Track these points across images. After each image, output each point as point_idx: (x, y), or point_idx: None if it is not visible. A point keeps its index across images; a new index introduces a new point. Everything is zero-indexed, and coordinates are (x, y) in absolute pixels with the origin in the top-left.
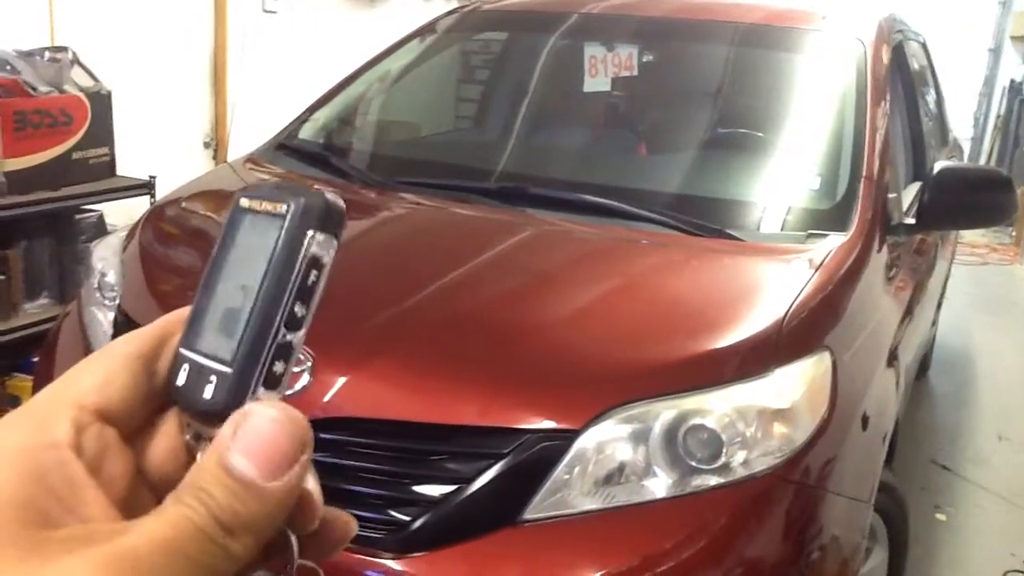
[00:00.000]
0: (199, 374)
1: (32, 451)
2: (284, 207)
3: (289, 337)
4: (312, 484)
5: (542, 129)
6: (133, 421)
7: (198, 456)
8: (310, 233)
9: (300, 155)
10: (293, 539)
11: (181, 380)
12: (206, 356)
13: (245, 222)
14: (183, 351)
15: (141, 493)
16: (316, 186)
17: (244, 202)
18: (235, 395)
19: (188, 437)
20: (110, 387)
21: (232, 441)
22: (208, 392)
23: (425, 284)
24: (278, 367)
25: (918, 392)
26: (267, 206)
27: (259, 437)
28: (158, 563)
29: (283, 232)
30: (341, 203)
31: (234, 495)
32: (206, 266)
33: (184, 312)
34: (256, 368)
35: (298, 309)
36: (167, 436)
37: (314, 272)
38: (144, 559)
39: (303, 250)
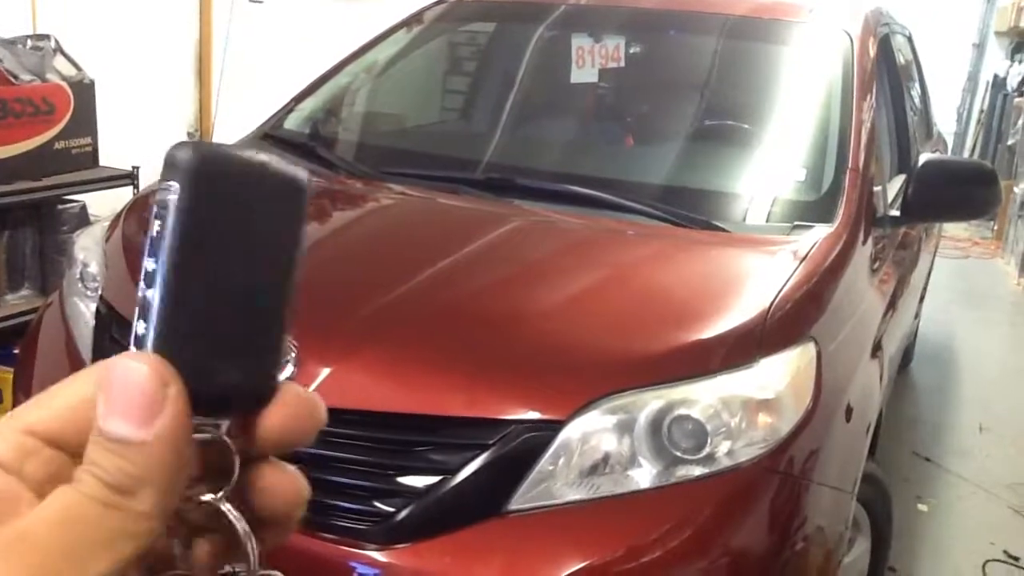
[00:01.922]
0: None
1: None
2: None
3: (145, 294)
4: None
5: (529, 120)
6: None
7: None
8: (173, 190)
9: (286, 145)
10: (252, 543)
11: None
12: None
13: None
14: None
15: None
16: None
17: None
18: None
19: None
20: (65, 418)
21: (100, 405)
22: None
23: (411, 275)
24: (139, 327)
25: (900, 384)
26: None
27: (118, 392)
28: (55, 538)
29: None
30: (184, 148)
31: (117, 455)
32: None
33: None
34: (131, 333)
35: (147, 264)
36: None
37: (156, 222)
38: (42, 536)
39: (155, 207)
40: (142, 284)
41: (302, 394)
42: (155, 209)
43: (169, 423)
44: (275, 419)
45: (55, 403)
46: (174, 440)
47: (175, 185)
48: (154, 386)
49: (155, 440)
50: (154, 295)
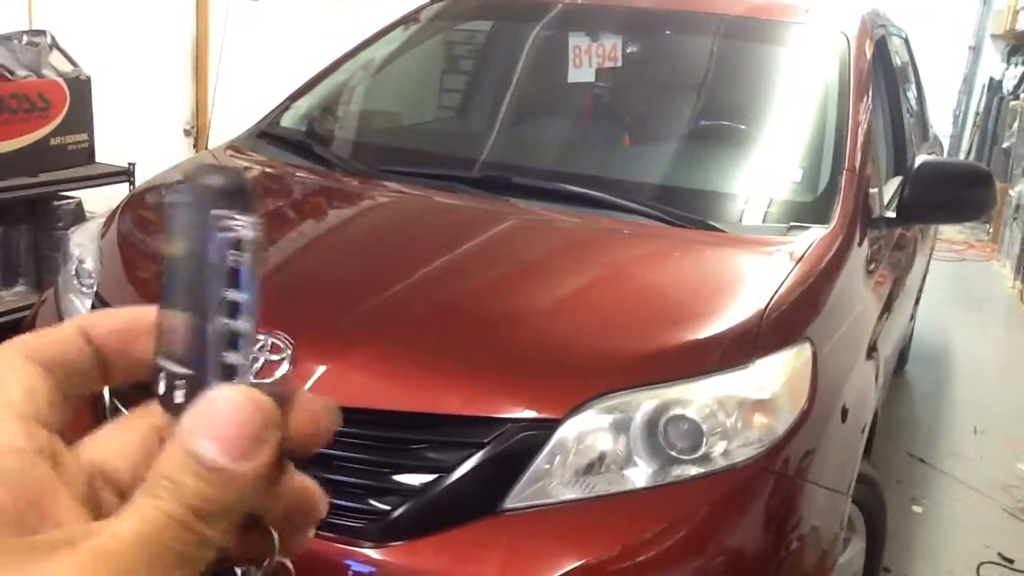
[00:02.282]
0: (171, 381)
1: None
2: (186, 195)
3: (238, 325)
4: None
5: (526, 119)
6: (70, 425)
7: None
8: (212, 213)
9: (282, 143)
10: (274, 535)
11: (161, 389)
12: (173, 361)
13: (174, 219)
14: (158, 360)
15: (103, 493)
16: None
17: (171, 199)
18: (199, 395)
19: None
20: (37, 396)
21: (194, 426)
22: (180, 397)
23: (407, 273)
24: (230, 358)
25: (896, 386)
26: (178, 197)
27: (221, 419)
28: (137, 556)
29: (186, 219)
30: (242, 177)
31: (204, 481)
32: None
33: (87, 319)
34: (207, 364)
35: (229, 295)
36: (116, 434)
37: (232, 253)
38: (124, 554)
39: (211, 232)
40: (220, 318)
41: (316, 399)
42: (225, 238)
43: (264, 463)
44: (295, 425)
45: (21, 389)
46: (260, 481)
47: (250, 220)
48: (261, 426)
49: (246, 475)
50: (247, 326)
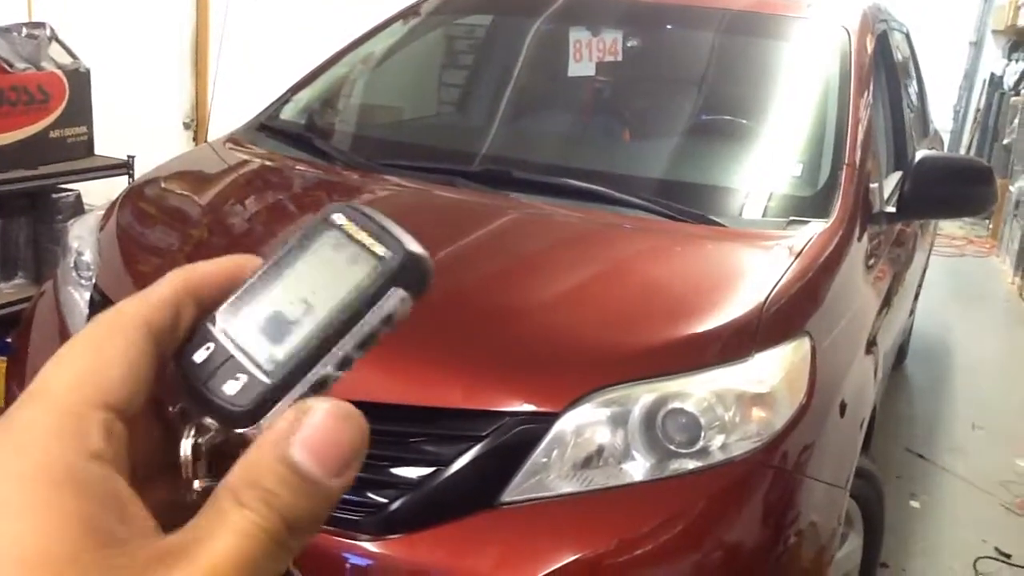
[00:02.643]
0: (227, 365)
1: (78, 466)
2: (383, 251)
3: (334, 374)
4: None
5: (526, 113)
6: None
7: (184, 439)
8: (398, 291)
9: (282, 136)
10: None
11: (200, 356)
12: (241, 350)
13: (331, 238)
14: (213, 329)
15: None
16: (412, 242)
17: (339, 219)
18: (261, 407)
19: (173, 409)
20: (135, 381)
21: (294, 436)
22: (232, 389)
23: None
24: (307, 397)
25: (895, 381)
26: (364, 238)
27: (322, 433)
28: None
29: (374, 276)
30: (432, 267)
31: (299, 493)
32: (272, 255)
33: (192, 274)
34: (291, 390)
35: (354, 353)
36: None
37: (384, 327)
38: (228, 573)
39: (384, 302)
40: (332, 365)
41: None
42: (385, 308)
43: (351, 482)
44: None
45: (122, 372)
46: (341, 496)
47: (411, 304)
48: (359, 445)
49: (336, 492)
50: (336, 379)
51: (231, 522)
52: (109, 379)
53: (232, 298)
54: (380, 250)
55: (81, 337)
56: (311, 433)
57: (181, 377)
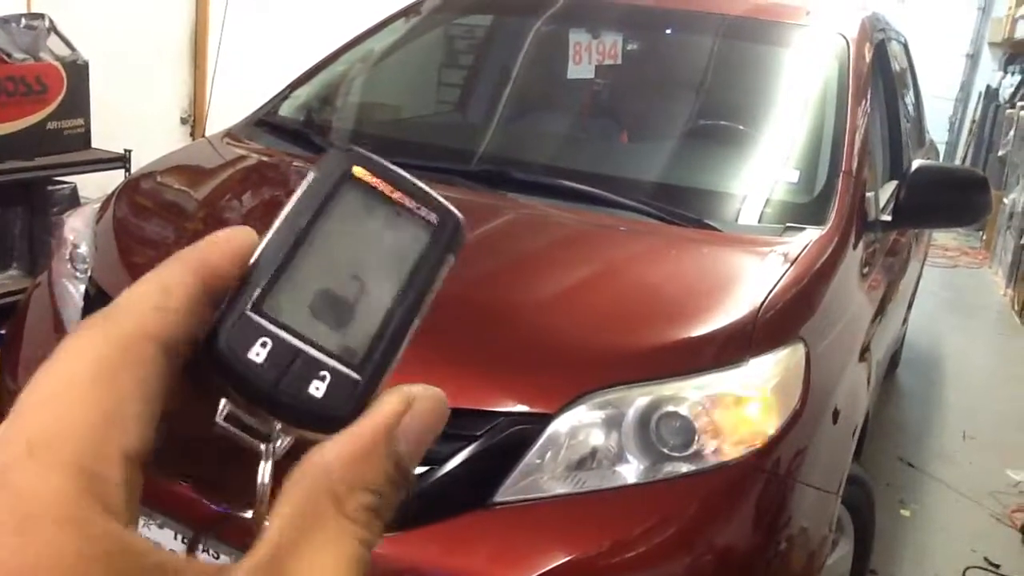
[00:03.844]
0: (300, 362)
1: (111, 555)
2: (433, 216)
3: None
4: None
5: (525, 114)
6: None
7: (263, 461)
8: (451, 258)
9: (280, 132)
10: None
11: (258, 355)
12: (308, 342)
13: (359, 198)
14: (259, 320)
15: None
16: (450, 204)
17: (361, 172)
18: (360, 406)
19: (220, 419)
20: (153, 416)
21: (401, 428)
22: (319, 390)
23: None
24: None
25: (887, 390)
26: (403, 199)
27: (424, 425)
28: None
29: (432, 246)
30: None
31: (401, 491)
32: (284, 219)
33: (202, 267)
34: (379, 382)
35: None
36: None
37: (433, 296)
38: None
39: (443, 270)
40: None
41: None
42: (442, 277)
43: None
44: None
45: (143, 420)
46: None
47: (454, 261)
48: (439, 428)
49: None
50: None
51: (333, 539)
52: (125, 419)
53: (262, 279)
54: (428, 215)
55: (87, 364)
56: (415, 424)
57: (237, 384)
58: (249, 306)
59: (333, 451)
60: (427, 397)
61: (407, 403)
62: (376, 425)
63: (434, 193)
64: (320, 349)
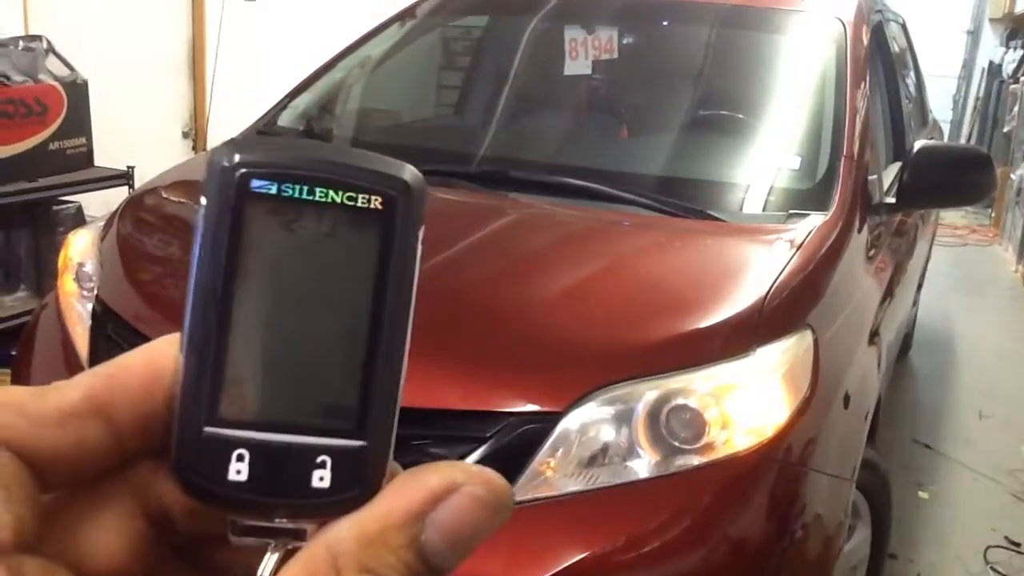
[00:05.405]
0: (291, 458)
1: None
2: (375, 199)
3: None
4: None
5: (523, 113)
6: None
7: (269, 553)
8: (419, 234)
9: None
10: None
11: (239, 473)
12: (291, 430)
13: (273, 222)
14: (223, 432)
15: None
16: (391, 164)
17: (258, 184)
18: (376, 474)
19: (234, 537)
20: (23, 521)
21: (431, 515)
22: (324, 479)
23: None
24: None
25: (900, 372)
26: (334, 195)
27: (461, 519)
28: None
29: (389, 237)
30: (422, 179)
31: None
32: (191, 288)
33: (94, 387)
34: (392, 430)
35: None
36: (86, 516)
37: (415, 289)
38: None
39: (416, 254)
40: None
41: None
42: (419, 258)
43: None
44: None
45: (9, 517)
46: None
47: (423, 227)
48: (493, 527)
49: (451, 571)
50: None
51: None
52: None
53: (203, 383)
54: (366, 201)
55: None
56: (450, 517)
57: (228, 508)
58: (203, 421)
59: (344, 528)
60: (480, 484)
61: (449, 487)
62: (392, 508)
63: (361, 162)
64: (306, 431)
